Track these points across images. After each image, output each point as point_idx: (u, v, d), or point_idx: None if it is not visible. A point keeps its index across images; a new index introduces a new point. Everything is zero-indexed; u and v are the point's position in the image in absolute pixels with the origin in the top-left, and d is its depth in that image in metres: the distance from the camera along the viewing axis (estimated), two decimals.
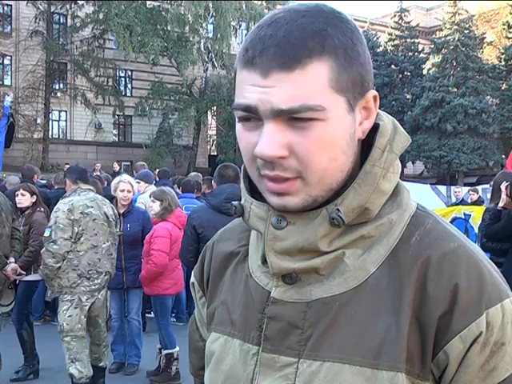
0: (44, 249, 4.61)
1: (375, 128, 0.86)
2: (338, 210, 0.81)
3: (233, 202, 0.91)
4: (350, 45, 0.79)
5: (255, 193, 0.89)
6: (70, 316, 4.62)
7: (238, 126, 0.83)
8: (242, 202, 0.90)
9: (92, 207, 4.72)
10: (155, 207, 5.33)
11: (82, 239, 4.62)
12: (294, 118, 0.77)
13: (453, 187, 12.70)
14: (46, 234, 4.59)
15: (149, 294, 5.51)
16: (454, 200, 11.45)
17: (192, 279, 1.08)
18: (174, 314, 7.65)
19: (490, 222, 4.79)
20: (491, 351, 0.78)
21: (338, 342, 0.81)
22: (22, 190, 5.56)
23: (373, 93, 0.83)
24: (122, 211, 5.50)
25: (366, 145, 0.86)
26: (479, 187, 11.88)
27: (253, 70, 0.78)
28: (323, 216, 0.81)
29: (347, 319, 0.81)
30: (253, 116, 0.80)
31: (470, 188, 10.30)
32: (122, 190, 5.50)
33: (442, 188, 12.66)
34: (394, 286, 0.81)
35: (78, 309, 4.64)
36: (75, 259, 4.61)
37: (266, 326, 0.86)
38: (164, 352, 5.34)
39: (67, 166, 18.97)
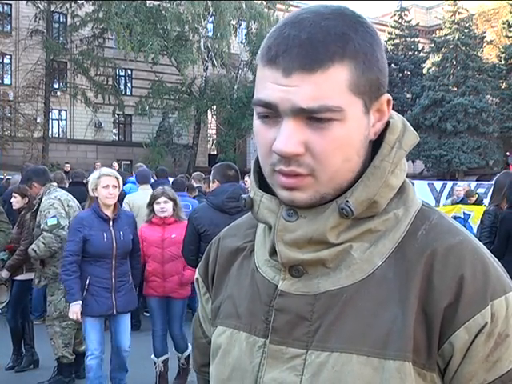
0: (50, 235, 4.84)
1: (385, 125, 0.89)
2: (347, 201, 0.83)
3: (242, 196, 0.93)
4: (370, 50, 0.82)
5: (264, 187, 0.91)
6: None
7: (257, 122, 0.86)
8: (252, 195, 0.92)
9: (70, 200, 5.16)
10: (169, 208, 5.00)
11: None
12: (312, 117, 0.79)
13: (450, 183, 12.70)
14: (53, 221, 4.88)
15: (186, 296, 5.18)
16: (445, 195, 11.53)
17: (196, 275, 1.09)
18: None
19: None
20: (495, 343, 0.80)
21: (345, 332, 0.83)
22: (14, 193, 5.79)
23: (387, 96, 0.86)
24: (109, 214, 4.48)
25: (378, 142, 0.89)
26: (473, 183, 11.88)
27: (275, 69, 0.80)
28: (333, 208, 0.84)
29: (355, 311, 0.83)
30: (272, 113, 0.82)
31: (464, 190, 10.19)
32: (106, 186, 4.41)
33: (438, 184, 12.68)
34: (401, 278, 0.83)
35: None
36: None
37: (274, 318, 0.87)
38: (185, 354, 5.19)
39: (67, 166, 19.01)
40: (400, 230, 0.86)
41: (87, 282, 4.37)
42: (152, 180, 8.65)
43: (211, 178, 4.69)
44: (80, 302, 4.32)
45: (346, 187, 0.85)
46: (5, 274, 5.22)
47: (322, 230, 0.84)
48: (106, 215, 4.44)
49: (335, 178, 0.83)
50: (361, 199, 0.84)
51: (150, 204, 5.07)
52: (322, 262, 0.86)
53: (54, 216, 4.88)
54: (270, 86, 0.81)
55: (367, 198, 0.84)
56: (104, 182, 4.40)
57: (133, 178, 9.07)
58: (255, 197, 0.91)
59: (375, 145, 0.88)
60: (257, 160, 0.94)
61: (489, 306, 0.79)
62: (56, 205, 4.96)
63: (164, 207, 4.98)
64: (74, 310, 4.32)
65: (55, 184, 5.37)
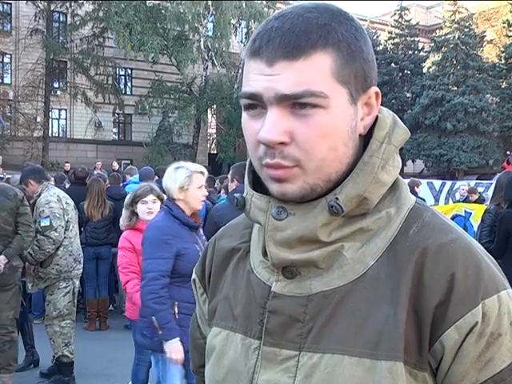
0: (43, 237, 4.83)
1: (375, 121, 0.88)
2: (336, 198, 0.82)
3: (235, 195, 0.92)
4: (353, 40, 0.82)
5: (257, 186, 0.91)
6: (69, 302, 5.03)
7: (244, 115, 0.86)
8: (245, 194, 0.91)
9: (68, 198, 5.16)
10: (157, 209, 4.03)
11: (70, 226, 5.05)
12: (296, 104, 0.80)
13: (448, 182, 12.71)
14: (45, 223, 4.85)
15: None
16: (444, 194, 11.61)
17: (193, 276, 1.09)
18: None
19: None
20: (487, 342, 0.78)
21: (337, 334, 0.82)
22: None
23: (375, 89, 0.86)
24: (194, 221, 3.51)
25: (368, 139, 0.88)
26: (472, 182, 11.93)
27: (259, 60, 0.81)
28: (322, 205, 0.83)
29: (347, 311, 0.82)
30: (257, 104, 0.82)
31: (466, 188, 10.26)
32: (200, 187, 3.50)
33: (437, 183, 12.69)
34: (393, 277, 0.82)
35: (73, 294, 5.06)
36: (69, 245, 5.03)
37: (267, 320, 0.87)
38: None
39: (67, 165, 19.01)
40: (392, 228, 0.85)
41: (176, 310, 3.36)
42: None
43: (230, 177, 4.69)
44: (178, 337, 3.28)
45: (336, 179, 0.84)
46: (3, 258, 5.12)
47: (313, 228, 0.83)
48: (195, 222, 3.49)
49: (322, 168, 0.82)
50: (350, 196, 0.83)
51: (133, 203, 4.12)
52: (313, 263, 0.85)
53: (47, 217, 4.85)
54: (255, 77, 0.81)
55: (357, 194, 0.83)
56: (197, 182, 3.46)
57: (132, 178, 9.02)
58: (247, 196, 0.90)
59: (367, 142, 0.87)
60: (250, 160, 0.94)
61: (480, 305, 0.78)
62: (52, 203, 4.93)
63: (152, 208, 4.05)
64: (178, 348, 3.26)
65: (52, 183, 5.37)
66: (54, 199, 4.96)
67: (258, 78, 0.81)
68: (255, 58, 0.82)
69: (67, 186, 8.61)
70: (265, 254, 0.90)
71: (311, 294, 0.85)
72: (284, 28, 0.80)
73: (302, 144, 0.80)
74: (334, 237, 0.84)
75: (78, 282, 5.20)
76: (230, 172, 4.64)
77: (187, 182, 3.40)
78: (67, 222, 5.03)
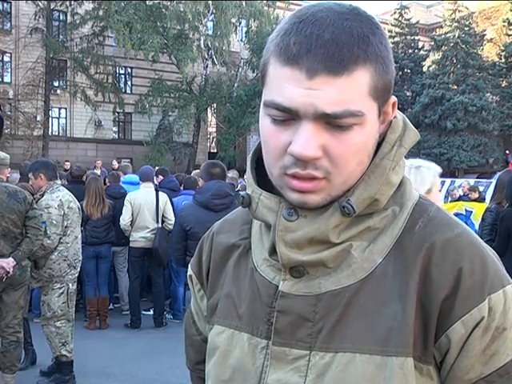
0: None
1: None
2: (348, 199, 0.82)
3: (240, 192, 0.91)
4: (386, 53, 0.81)
5: (262, 185, 0.90)
6: (63, 303, 5.03)
7: (266, 123, 0.82)
8: (250, 192, 0.90)
9: (72, 201, 5.11)
10: None
11: (68, 232, 5.00)
12: (332, 121, 0.78)
13: (448, 180, 12.71)
14: (41, 228, 4.70)
15: None
16: (444, 193, 11.66)
17: (189, 272, 1.08)
18: (171, 312, 7.66)
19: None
20: (492, 336, 0.80)
21: (348, 332, 0.82)
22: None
23: (394, 99, 0.86)
24: None
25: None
26: (471, 181, 11.94)
27: (297, 69, 0.77)
28: (335, 207, 0.83)
29: (357, 310, 0.83)
30: (289, 116, 0.79)
31: (468, 187, 10.26)
32: (440, 190, 3.16)
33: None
34: (400, 274, 0.82)
35: (68, 295, 5.05)
36: (65, 250, 4.99)
37: (276, 319, 0.86)
38: None
39: (67, 164, 18.98)
40: (398, 225, 0.86)
41: None
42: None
43: (200, 176, 4.69)
44: None
45: (352, 186, 0.84)
46: (11, 261, 5.10)
47: (324, 229, 0.83)
48: None
49: (347, 181, 0.82)
50: (362, 197, 0.83)
51: None
52: (322, 263, 0.85)
53: (44, 222, 4.78)
54: (290, 89, 0.77)
55: (369, 196, 0.83)
56: (438, 183, 3.02)
57: (125, 178, 8.87)
58: (253, 194, 0.89)
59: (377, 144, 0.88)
60: (253, 157, 0.93)
61: (486, 300, 0.79)
62: (52, 209, 4.87)
63: None
64: None
65: (59, 182, 5.28)
66: (54, 204, 4.90)
67: (294, 90, 0.77)
68: (292, 66, 0.77)
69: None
70: (272, 253, 0.89)
71: (320, 293, 0.85)
72: (324, 37, 0.76)
73: (334, 159, 0.79)
74: (342, 237, 0.84)
75: (71, 285, 5.12)
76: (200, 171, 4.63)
77: (433, 183, 2.94)
78: (66, 227, 4.97)
